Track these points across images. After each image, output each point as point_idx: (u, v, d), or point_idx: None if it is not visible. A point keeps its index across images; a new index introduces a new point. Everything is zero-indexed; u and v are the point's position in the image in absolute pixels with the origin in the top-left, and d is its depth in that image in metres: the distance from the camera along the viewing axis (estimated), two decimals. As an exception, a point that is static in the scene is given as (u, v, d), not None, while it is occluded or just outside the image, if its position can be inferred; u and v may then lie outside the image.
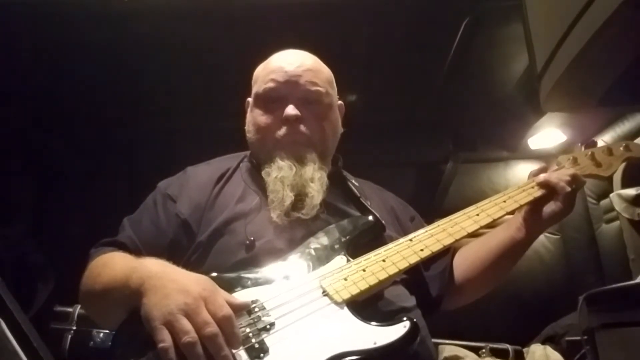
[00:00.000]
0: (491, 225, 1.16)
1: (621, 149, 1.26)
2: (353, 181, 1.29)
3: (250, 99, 1.28)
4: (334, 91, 1.28)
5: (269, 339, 0.87)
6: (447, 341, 1.90)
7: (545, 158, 2.47)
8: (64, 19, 1.80)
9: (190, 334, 0.80)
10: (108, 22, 1.81)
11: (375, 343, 0.88)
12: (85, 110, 2.31)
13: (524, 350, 1.94)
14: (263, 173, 1.16)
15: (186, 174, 1.25)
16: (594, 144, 1.29)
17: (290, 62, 1.22)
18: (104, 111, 2.32)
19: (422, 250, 1.05)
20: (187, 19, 1.84)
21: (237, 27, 1.85)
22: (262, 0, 1.79)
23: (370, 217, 1.16)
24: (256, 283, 0.97)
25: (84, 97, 2.22)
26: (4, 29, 1.79)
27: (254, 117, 1.23)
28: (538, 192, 1.19)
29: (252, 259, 1.03)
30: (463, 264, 1.27)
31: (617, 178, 2.07)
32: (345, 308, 0.94)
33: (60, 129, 2.40)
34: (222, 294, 0.89)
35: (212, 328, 0.82)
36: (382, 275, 0.99)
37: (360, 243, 1.10)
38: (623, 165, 1.31)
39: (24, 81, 2.08)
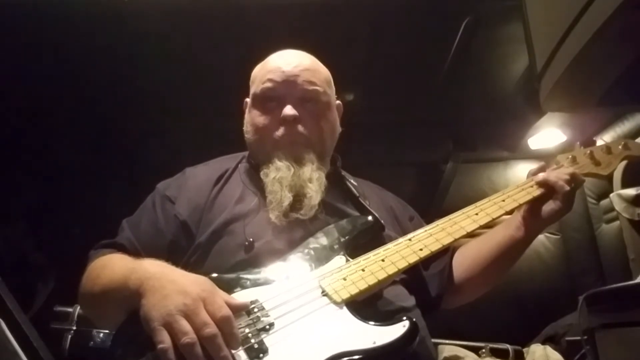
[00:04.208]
0: (490, 224, 1.16)
1: (620, 147, 1.26)
2: (352, 181, 1.29)
3: (248, 99, 1.28)
4: (332, 91, 1.28)
5: (268, 339, 0.87)
6: (447, 341, 1.90)
7: (545, 158, 2.45)
8: (64, 18, 1.80)
9: (189, 335, 0.80)
10: (108, 22, 1.82)
11: (374, 343, 0.88)
12: (85, 110, 2.31)
13: (524, 350, 1.94)
14: (261, 174, 1.16)
15: (185, 175, 1.25)
16: (593, 143, 1.29)
17: (288, 62, 1.22)
18: (103, 111, 2.33)
19: (421, 249, 1.05)
20: (187, 19, 1.84)
21: (237, 27, 1.85)
22: (261, 1, 1.79)
23: (369, 217, 1.16)
24: (255, 283, 0.97)
25: (84, 97, 2.22)
26: (3, 29, 1.79)
27: (252, 118, 1.23)
28: (537, 191, 1.19)
29: (252, 260, 1.03)
30: (462, 263, 1.27)
31: (617, 178, 2.07)
32: (345, 308, 0.94)
33: (60, 128, 2.40)
34: (221, 294, 0.89)
35: (211, 329, 0.82)
36: (381, 275, 0.99)
37: (360, 243, 1.10)
38: (623, 165, 1.31)
39: (24, 81, 2.09)
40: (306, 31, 1.58)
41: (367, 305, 0.98)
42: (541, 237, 2.52)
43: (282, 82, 1.19)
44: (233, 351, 0.83)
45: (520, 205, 1.18)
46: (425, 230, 1.11)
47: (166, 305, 0.83)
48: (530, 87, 1.99)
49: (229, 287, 0.94)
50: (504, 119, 2.40)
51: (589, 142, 1.30)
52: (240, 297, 0.93)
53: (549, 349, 1.85)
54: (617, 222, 2.22)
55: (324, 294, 0.96)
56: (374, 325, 0.91)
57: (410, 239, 1.08)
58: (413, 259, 1.03)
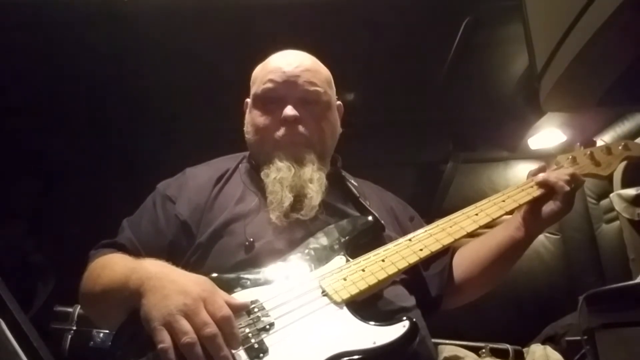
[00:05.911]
0: (490, 224, 1.16)
1: (620, 148, 1.26)
2: (352, 181, 1.29)
3: (249, 100, 1.28)
4: (332, 91, 1.28)
5: (268, 339, 0.87)
6: (447, 341, 1.90)
7: (545, 158, 2.46)
8: (64, 19, 1.80)
9: (189, 335, 0.80)
10: (108, 22, 1.82)
11: (374, 343, 0.88)
12: (85, 110, 2.31)
13: (524, 350, 1.94)
14: (262, 174, 1.16)
15: (185, 175, 1.25)
16: (593, 143, 1.29)
17: (289, 62, 1.22)
18: (103, 111, 2.33)
19: (421, 250, 1.05)
20: (187, 19, 1.84)
21: (237, 27, 1.85)
22: (261, 1, 1.79)
23: (370, 217, 1.16)
24: (256, 283, 0.97)
25: (84, 97, 2.22)
26: (3, 29, 1.79)
27: (253, 118, 1.23)
28: (537, 192, 1.19)
29: (252, 260, 1.03)
30: (462, 263, 1.27)
31: (617, 178, 2.07)
32: (345, 308, 0.94)
33: (60, 129, 2.40)
34: (222, 294, 0.89)
35: (212, 328, 0.82)
36: (382, 275, 0.99)
37: (360, 243, 1.10)
38: (623, 165, 1.31)
39: (24, 81, 2.09)
40: (306, 31, 1.58)
41: (367, 305, 0.99)
42: (541, 237, 2.52)
43: (282, 83, 1.19)
44: (233, 351, 0.83)
45: (520, 206, 1.18)
46: (426, 231, 1.11)
47: (167, 305, 0.83)
48: (530, 87, 1.99)
49: (229, 287, 0.94)
50: (504, 119, 2.40)
51: (589, 142, 1.30)
52: (241, 297, 0.93)
53: (549, 349, 1.85)
54: (617, 222, 2.22)
55: (324, 294, 0.96)
56: (374, 325, 0.91)
57: (410, 239, 1.08)
58: (413, 259, 1.03)
